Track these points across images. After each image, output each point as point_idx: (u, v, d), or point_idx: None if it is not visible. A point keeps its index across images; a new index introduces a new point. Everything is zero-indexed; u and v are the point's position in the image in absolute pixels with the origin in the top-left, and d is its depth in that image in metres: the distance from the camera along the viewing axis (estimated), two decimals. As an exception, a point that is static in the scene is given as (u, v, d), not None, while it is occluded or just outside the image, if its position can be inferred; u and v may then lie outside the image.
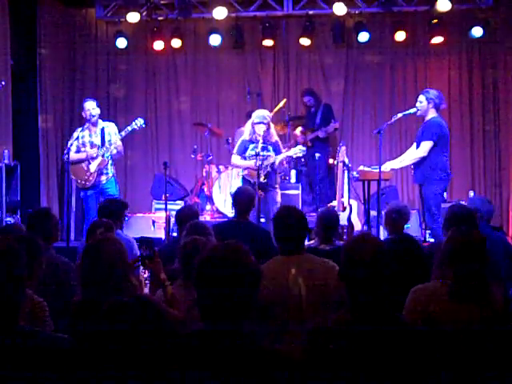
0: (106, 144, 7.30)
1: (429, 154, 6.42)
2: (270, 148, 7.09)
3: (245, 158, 7.12)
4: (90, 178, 7.25)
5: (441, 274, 3.06)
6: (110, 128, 7.42)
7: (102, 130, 7.35)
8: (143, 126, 7.43)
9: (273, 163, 7.02)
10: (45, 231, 4.17)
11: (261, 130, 7.01)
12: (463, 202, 8.00)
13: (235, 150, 7.28)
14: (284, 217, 3.45)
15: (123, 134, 7.33)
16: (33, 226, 4.27)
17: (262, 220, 7.10)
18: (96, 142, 7.32)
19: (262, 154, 6.97)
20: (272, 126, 7.25)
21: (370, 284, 2.40)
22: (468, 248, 2.94)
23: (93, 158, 7.25)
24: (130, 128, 7.33)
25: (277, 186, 7.21)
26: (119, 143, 7.37)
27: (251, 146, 7.07)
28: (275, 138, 7.24)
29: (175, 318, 3.16)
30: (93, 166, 7.25)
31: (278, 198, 7.18)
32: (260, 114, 7.14)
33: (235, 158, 7.26)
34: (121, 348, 2.17)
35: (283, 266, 3.28)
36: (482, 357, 2.74)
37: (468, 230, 3.17)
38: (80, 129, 7.35)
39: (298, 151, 7.13)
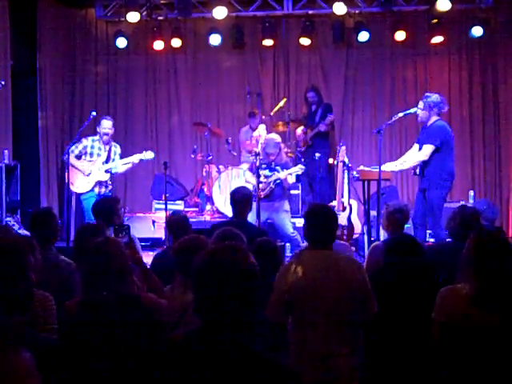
0: (110, 161, 7.44)
1: (434, 159, 6.35)
2: (279, 168, 7.28)
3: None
4: (86, 188, 7.36)
5: (465, 276, 2.98)
6: (117, 149, 7.58)
7: (110, 148, 7.50)
8: (150, 159, 7.55)
9: (276, 180, 7.20)
10: (48, 231, 4.12)
11: (272, 150, 7.30)
12: (463, 202, 8.03)
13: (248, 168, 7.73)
14: (320, 212, 3.53)
15: (132, 160, 7.41)
16: (35, 227, 4.20)
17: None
18: (102, 155, 7.44)
19: (268, 174, 7.25)
20: (282, 148, 7.54)
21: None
22: (492, 249, 2.90)
23: (89, 174, 7.37)
24: (138, 158, 7.41)
25: (284, 198, 7.41)
26: (125, 168, 7.50)
27: (263, 167, 7.33)
28: (285, 159, 7.54)
29: (160, 306, 3.12)
30: (93, 178, 7.35)
31: (287, 207, 7.41)
32: (271, 140, 7.40)
33: (248, 175, 7.64)
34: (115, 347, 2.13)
35: (316, 260, 3.35)
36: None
37: (492, 231, 3.19)
38: (91, 138, 7.45)
39: (297, 170, 7.30)
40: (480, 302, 2.82)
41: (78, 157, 7.40)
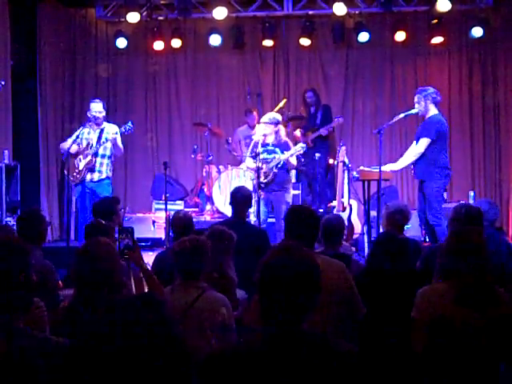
0: (101, 142, 7.31)
1: (428, 151, 6.39)
2: (278, 150, 7.11)
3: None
4: (78, 176, 7.33)
5: (443, 274, 3.01)
6: (110, 128, 7.43)
7: (102, 130, 7.40)
8: (131, 126, 7.35)
9: (278, 163, 7.02)
10: (36, 233, 4.17)
11: (267, 130, 7.08)
12: (463, 202, 8.04)
13: (248, 153, 7.35)
14: (295, 215, 3.44)
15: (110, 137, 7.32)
16: (24, 228, 4.24)
17: (272, 220, 7.13)
18: (92, 138, 7.35)
19: (267, 157, 7.03)
20: (282, 127, 7.31)
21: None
22: (468, 246, 2.91)
23: (77, 155, 7.30)
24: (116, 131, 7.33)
25: (288, 186, 7.21)
26: (113, 143, 7.36)
27: (262, 149, 7.13)
28: (284, 138, 7.28)
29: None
30: (81, 164, 7.33)
31: (288, 199, 7.19)
32: (268, 115, 7.25)
33: (249, 161, 7.33)
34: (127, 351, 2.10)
35: None
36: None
37: (468, 228, 3.17)
38: (82, 127, 7.41)
39: (298, 148, 7.08)
40: (464, 300, 2.82)
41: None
